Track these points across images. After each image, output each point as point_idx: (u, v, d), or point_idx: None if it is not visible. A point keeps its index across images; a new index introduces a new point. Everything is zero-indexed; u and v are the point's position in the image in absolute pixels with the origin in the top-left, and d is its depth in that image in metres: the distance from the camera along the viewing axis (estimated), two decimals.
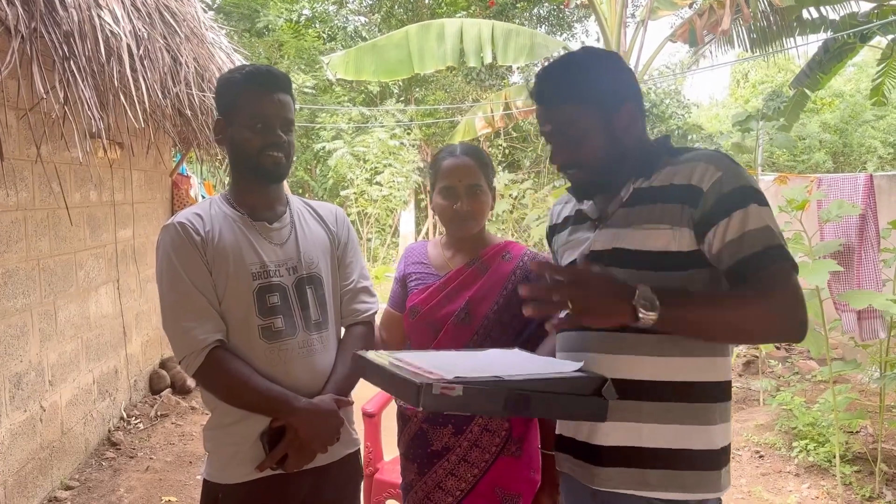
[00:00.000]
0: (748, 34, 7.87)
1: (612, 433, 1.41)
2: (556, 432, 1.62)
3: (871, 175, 4.74)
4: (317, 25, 14.43)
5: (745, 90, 23.76)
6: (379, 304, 1.97)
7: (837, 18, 8.11)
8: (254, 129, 1.69)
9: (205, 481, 1.76)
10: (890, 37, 10.34)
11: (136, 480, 4.13)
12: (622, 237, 1.44)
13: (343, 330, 1.92)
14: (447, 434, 1.92)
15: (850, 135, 19.07)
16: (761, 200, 1.35)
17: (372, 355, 1.45)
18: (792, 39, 8.06)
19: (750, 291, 1.30)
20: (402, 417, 2.05)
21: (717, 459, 1.41)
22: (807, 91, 8.82)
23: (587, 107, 1.45)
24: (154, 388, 5.54)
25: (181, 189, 6.36)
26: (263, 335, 1.69)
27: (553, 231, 1.75)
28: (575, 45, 12.13)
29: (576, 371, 1.36)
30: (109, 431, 4.67)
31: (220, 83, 1.79)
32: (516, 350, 1.69)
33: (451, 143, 2.38)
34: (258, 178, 1.76)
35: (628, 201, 1.47)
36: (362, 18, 15.77)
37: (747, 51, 8.56)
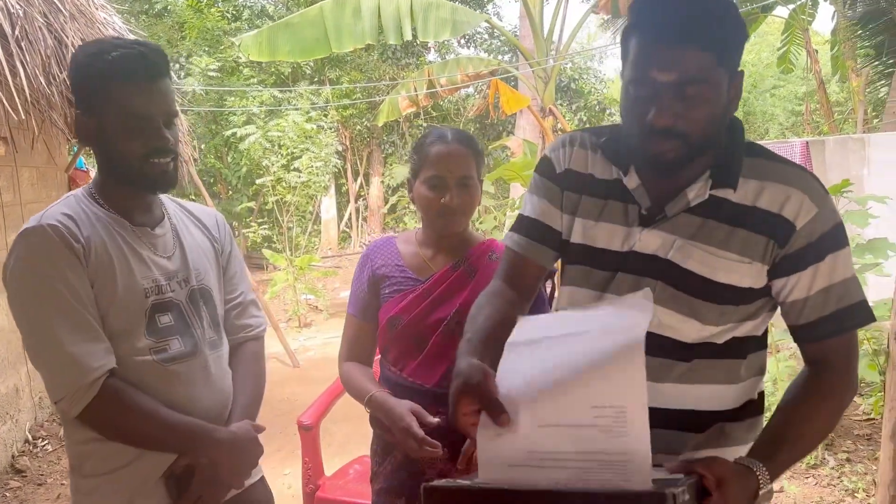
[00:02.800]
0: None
1: None
2: None
3: (807, 141, 4.75)
4: (220, 4, 13.71)
5: None
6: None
7: None
8: (131, 132, 1.40)
9: None
10: (791, 6, 10.71)
11: None
12: (685, 253, 1.21)
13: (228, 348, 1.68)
14: (442, 460, 1.68)
15: (753, 103, 19.83)
16: (847, 241, 1.20)
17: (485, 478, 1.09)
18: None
19: (824, 402, 1.20)
20: (384, 445, 1.80)
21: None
22: None
23: (720, 56, 1.13)
24: None
25: (80, 185, 5.85)
26: (158, 359, 1.46)
27: (570, 180, 1.37)
28: (497, 21, 11.96)
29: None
30: (13, 457, 4.26)
31: (76, 69, 1.44)
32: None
33: (439, 127, 2.13)
34: (141, 189, 1.49)
35: (699, 208, 1.22)
36: None
37: None
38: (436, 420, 1.60)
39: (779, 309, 1.29)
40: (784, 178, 1.20)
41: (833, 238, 1.18)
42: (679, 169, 1.20)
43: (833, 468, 3.86)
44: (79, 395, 1.34)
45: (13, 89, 2.97)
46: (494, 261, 1.78)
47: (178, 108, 1.49)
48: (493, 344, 1.21)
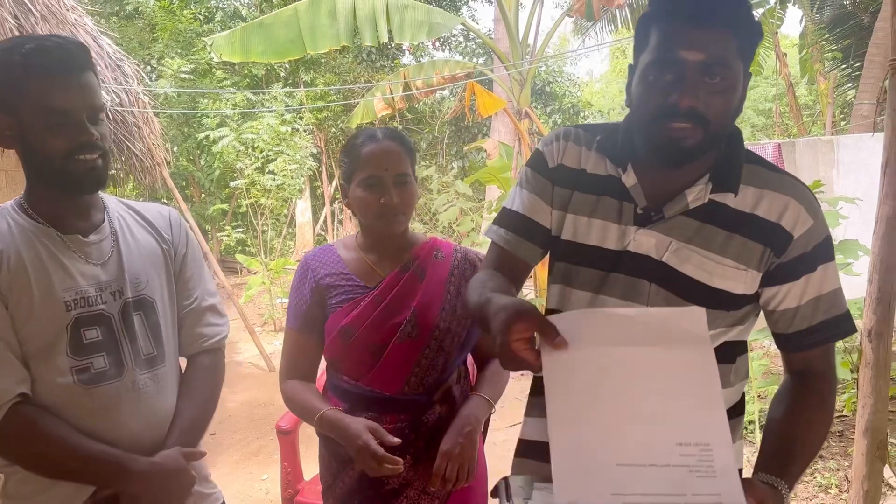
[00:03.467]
0: (630, 11, 7.97)
1: None
2: (524, 438, 1.43)
3: (780, 144, 4.82)
4: (192, 6, 13.55)
5: (625, 65, 24.53)
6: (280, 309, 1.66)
7: None
8: (52, 128, 1.31)
9: None
10: (760, 10, 10.87)
11: None
12: (682, 256, 1.21)
13: (185, 362, 1.57)
14: (405, 467, 1.62)
15: None
16: (833, 251, 1.23)
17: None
18: None
19: (818, 413, 1.23)
20: (338, 459, 1.72)
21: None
22: None
23: (742, 47, 1.14)
24: None
25: None
26: (80, 380, 1.35)
27: (562, 175, 1.35)
28: (472, 23, 11.97)
29: None
30: None
31: None
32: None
33: (367, 127, 2.08)
34: (68, 189, 1.39)
35: (697, 211, 1.21)
36: None
37: (629, 29, 8.69)
38: (395, 440, 1.53)
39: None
40: (782, 187, 1.21)
41: (824, 249, 1.21)
42: (692, 158, 1.18)
43: None
44: None
45: None
46: (441, 260, 1.75)
47: (104, 101, 1.40)
48: None
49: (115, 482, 1.33)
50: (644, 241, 1.23)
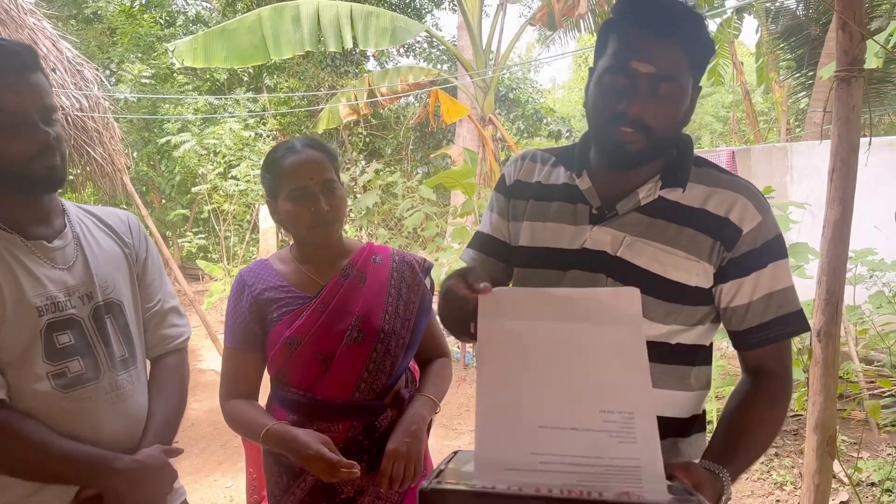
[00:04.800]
0: (593, 17, 8.10)
1: None
2: None
3: (734, 150, 4.94)
4: (153, 11, 13.36)
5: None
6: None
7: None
8: (6, 130, 1.30)
9: None
10: (717, 20, 11.13)
11: None
12: (636, 250, 1.26)
13: (149, 363, 1.59)
14: (359, 473, 1.61)
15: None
16: (787, 252, 1.26)
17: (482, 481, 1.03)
18: None
19: (770, 410, 1.26)
20: (288, 472, 1.69)
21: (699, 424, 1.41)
22: None
23: (692, 61, 1.21)
24: None
25: None
26: (57, 384, 1.35)
27: (519, 188, 1.45)
28: (436, 31, 12.02)
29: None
30: None
31: None
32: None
33: (284, 140, 2.06)
34: (27, 191, 1.38)
35: (648, 207, 1.27)
36: (204, 3, 14.81)
37: (592, 34, 8.82)
38: (355, 470, 1.49)
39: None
40: (731, 185, 1.28)
41: (775, 247, 1.25)
42: (636, 163, 1.25)
43: (763, 463, 4.01)
44: None
45: None
46: (379, 264, 1.75)
47: (54, 102, 1.39)
48: None
49: (99, 481, 1.34)
50: (600, 238, 1.29)
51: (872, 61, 4.73)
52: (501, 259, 1.47)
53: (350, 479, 1.52)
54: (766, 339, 1.26)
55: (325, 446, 1.51)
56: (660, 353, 1.27)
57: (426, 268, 1.83)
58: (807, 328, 1.27)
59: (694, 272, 1.25)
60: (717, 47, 11.70)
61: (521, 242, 1.40)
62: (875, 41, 4.33)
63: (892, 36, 4.54)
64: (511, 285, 1.46)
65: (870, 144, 2.49)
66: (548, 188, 1.39)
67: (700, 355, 1.35)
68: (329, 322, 1.66)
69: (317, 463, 1.49)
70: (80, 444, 1.34)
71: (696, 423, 1.38)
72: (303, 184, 1.62)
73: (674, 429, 1.33)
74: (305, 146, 1.66)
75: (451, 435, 4.99)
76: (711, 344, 1.39)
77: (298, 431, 1.55)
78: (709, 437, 1.32)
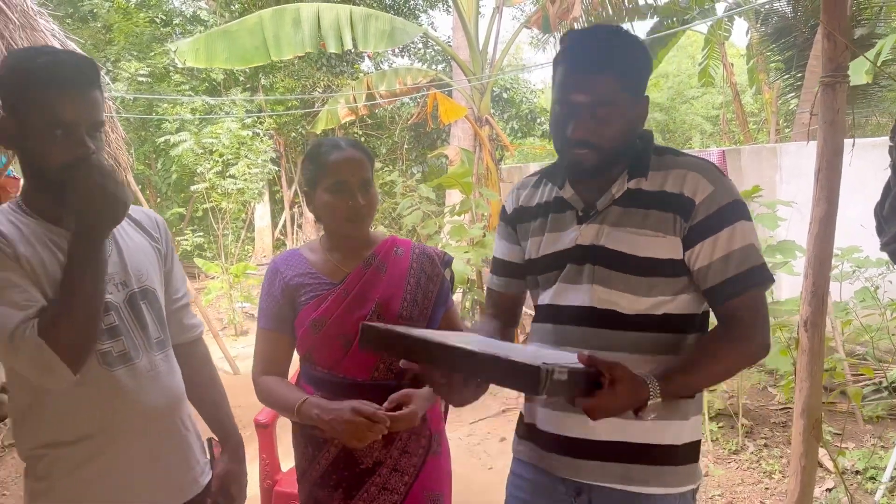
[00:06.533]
0: (587, 21, 8.22)
1: (598, 428, 1.40)
2: (525, 421, 1.64)
3: (724, 151, 5.08)
4: (149, 10, 13.38)
5: None
6: (255, 310, 1.84)
7: (662, 4, 8.79)
8: (54, 139, 1.37)
9: None
10: (709, 22, 11.28)
11: None
12: (613, 238, 1.45)
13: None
14: (377, 447, 1.78)
15: (675, 113, 20.65)
16: (748, 216, 1.41)
17: (422, 333, 1.31)
18: (629, 24, 8.50)
19: (727, 344, 1.38)
20: (314, 443, 1.85)
21: (694, 452, 1.49)
22: None
23: (626, 84, 1.40)
24: None
25: (10, 193, 5.73)
26: (104, 361, 1.46)
27: (518, 215, 1.68)
28: (433, 31, 12.14)
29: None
30: None
31: (4, 69, 1.41)
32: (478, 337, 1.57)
33: (329, 137, 2.22)
34: (62, 193, 1.43)
35: (621, 200, 1.46)
36: (202, 2, 14.84)
37: None
38: (385, 426, 1.63)
39: None
40: (684, 164, 1.45)
41: (730, 212, 1.40)
42: (595, 173, 1.46)
43: (752, 453, 4.17)
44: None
45: None
46: (400, 255, 1.90)
47: (105, 116, 1.47)
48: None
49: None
50: (587, 234, 1.49)
51: (863, 77, 4.99)
52: (517, 277, 1.70)
53: (371, 447, 1.69)
54: (732, 293, 1.39)
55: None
56: (649, 323, 1.44)
57: (446, 261, 1.97)
58: (770, 280, 1.40)
59: (662, 246, 1.42)
60: (707, 50, 11.83)
61: (530, 256, 1.62)
62: (866, 58, 4.55)
63: (880, 53, 4.83)
64: (529, 289, 1.70)
65: (853, 146, 2.64)
66: (542, 206, 1.61)
67: (693, 324, 1.49)
68: (351, 307, 1.80)
69: (351, 425, 1.62)
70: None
71: (690, 450, 1.49)
72: (344, 178, 1.77)
73: (666, 456, 1.45)
74: (349, 145, 1.83)
75: (453, 426, 5.10)
76: (707, 315, 1.53)
77: (333, 402, 1.69)
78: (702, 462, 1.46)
